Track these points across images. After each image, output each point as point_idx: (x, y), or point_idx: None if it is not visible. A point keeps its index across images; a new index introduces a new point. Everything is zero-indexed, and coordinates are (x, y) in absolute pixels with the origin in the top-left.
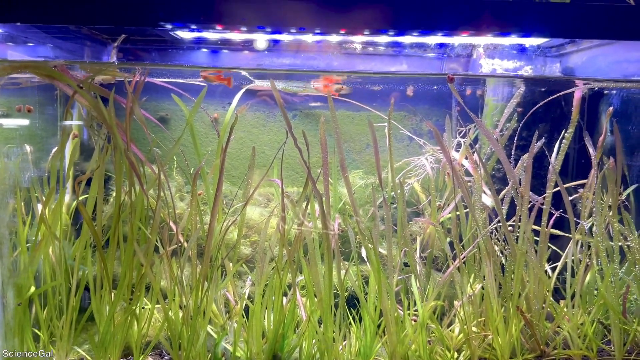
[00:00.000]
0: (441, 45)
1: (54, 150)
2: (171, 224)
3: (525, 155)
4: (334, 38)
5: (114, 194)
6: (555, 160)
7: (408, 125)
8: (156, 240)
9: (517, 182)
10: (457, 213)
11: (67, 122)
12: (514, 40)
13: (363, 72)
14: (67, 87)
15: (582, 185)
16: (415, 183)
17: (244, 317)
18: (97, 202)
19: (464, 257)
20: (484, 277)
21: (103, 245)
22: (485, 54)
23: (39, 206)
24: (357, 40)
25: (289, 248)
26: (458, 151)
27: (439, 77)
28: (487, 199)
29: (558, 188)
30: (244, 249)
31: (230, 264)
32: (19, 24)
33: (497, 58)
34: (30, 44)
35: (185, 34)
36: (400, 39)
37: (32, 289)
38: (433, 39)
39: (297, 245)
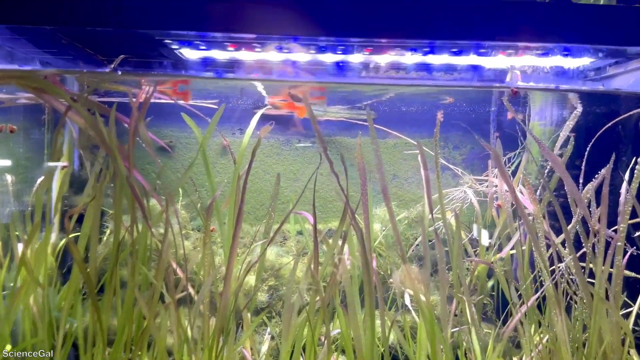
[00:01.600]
0: (473, 67)
1: (39, 180)
2: (178, 269)
3: (593, 183)
4: (356, 58)
5: (107, 231)
6: (629, 187)
7: (440, 154)
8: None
9: (587, 214)
10: (513, 252)
11: (55, 161)
12: (553, 61)
13: (394, 85)
14: (59, 103)
15: None
16: (452, 218)
17: None
18: (90, 240)
19: (530, 304)
20: (548, 326)
21: (96, 293)
22: (522, 77)
23: (20, 246)
24: (382, 61)
25: (322, 295)
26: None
27: (484, 89)
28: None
29: (637, 219)
30: (260, 296)
31: (249, 315)
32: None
33: (532, 82)
34: (16, 66)
35: (191, 54)
36: (429, 59)
37: (8, 347)
38: (465, 60)
39: (333, 290)
